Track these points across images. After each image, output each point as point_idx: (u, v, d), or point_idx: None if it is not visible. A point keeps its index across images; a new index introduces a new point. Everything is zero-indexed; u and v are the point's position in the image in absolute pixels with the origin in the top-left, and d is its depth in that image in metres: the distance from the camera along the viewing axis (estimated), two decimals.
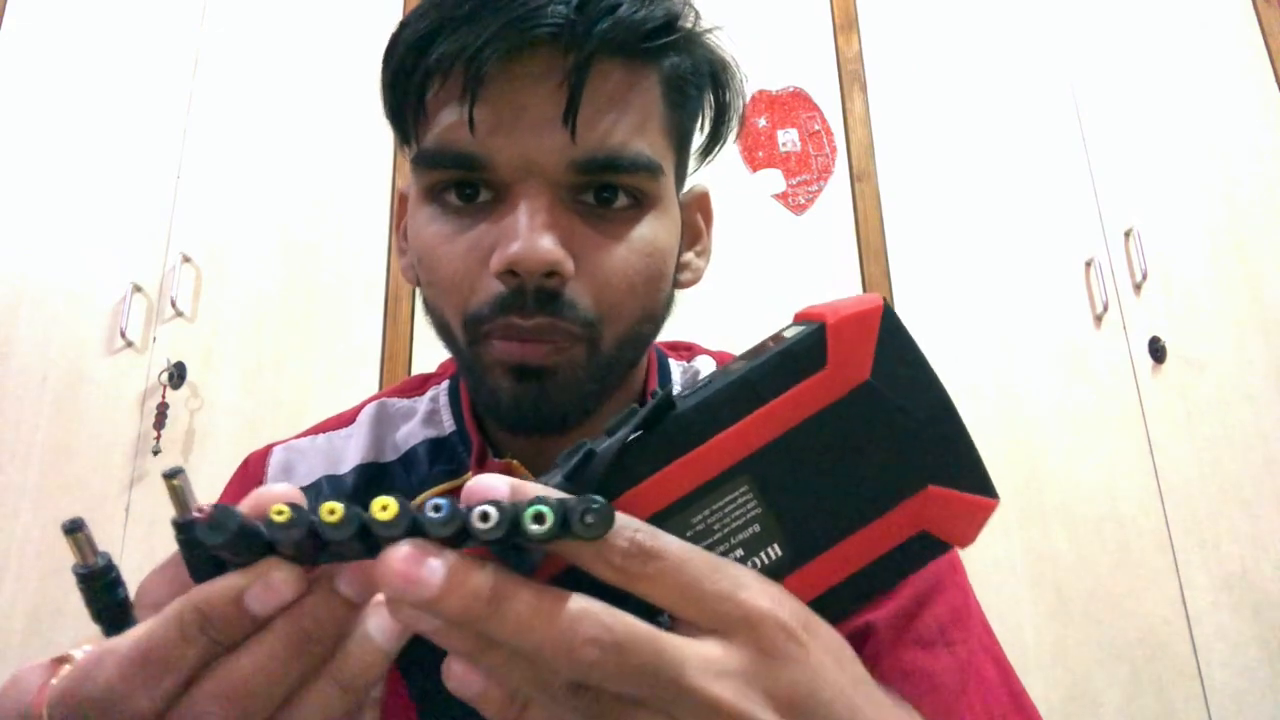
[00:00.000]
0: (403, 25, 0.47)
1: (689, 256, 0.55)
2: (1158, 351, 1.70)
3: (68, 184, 1.76)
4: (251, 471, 0.58)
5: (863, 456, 0.28)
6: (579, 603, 0.23)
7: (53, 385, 1.64)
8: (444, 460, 0.55)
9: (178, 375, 1.63)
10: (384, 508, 0.23)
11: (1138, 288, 1.74)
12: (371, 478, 0.55)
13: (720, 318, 1.62)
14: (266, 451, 0.59)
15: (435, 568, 0.22)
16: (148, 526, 1.56)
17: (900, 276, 1.75)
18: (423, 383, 0.62)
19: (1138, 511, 1.62)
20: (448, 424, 0.57)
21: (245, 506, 0.24)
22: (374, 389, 1.65)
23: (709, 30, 0.50)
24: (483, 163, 0.44)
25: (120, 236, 1.73)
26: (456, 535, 0.23)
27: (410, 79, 0.46)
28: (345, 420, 0.60)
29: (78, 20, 1.87)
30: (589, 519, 0.23)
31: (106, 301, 1.69)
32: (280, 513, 0.23)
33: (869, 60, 1.89)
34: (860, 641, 0.49)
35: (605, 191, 0.45)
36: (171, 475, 0.24)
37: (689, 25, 0.48)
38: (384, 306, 1.71)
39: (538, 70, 0.43)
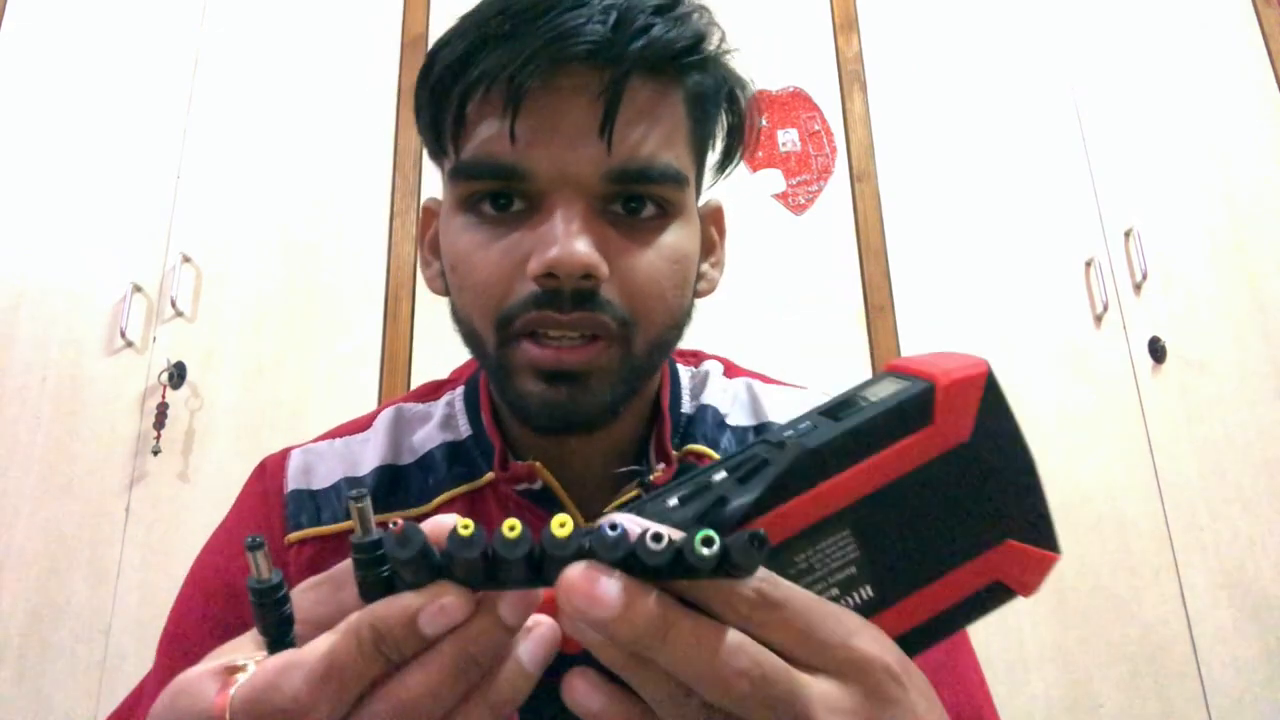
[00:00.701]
0: (442, 43, 0.49)
1: (704, 268, 0.57)
2: (1158, 351, 1.70)
3: (68, 184, 1.76)
4: (270, 476, 0.58)
5: (953, 510, 0.30)
6: (735, 637, 0.25)
7: (53, 385, 1.64)
8: (461, 463, 0.56)
9: (178, 375, 1.63)
10: (561, 525, 0.24)
11: (1138, 288, 1.74)
12: (390, 480, 0.56)
13: (720, 317, 1.62)
14: (284, 455, 0.59)
15: (613, 589, 0.23)
16: (148, 526, 1.56)
17: (900, 276, 1.75)
18: (436, 388, 0.63)
19: (1138, 511, 1.62)
20: (464, 428, 0.58)
21: (425, 528, 0.26)
22: (374, 389, 1.65)
23: (729, 51, 0.53)
24: (522, 173, 0.46)
25: (120, 236, 1.73)
26: (623, 559, 0.24)
27: (450, 94, 0.48)
28: (361, 425, 0.61)
29: (78, 20, 1.87)
30: (758, 547, 0.23)
31: (106, 301, 1.69)
32: (466, 527, 0.24)
33: (869, 60, 1.89)
34: None
35: (633, 201, 0.48)
36: (358, 499, 0.26)
37: (714, 45, 0.51)
38: (384, 306, 1.71)
39: (575, 85, 0.45)
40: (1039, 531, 0.32)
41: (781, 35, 1.89)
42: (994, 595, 0.31)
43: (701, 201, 0.56)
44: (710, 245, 0.58)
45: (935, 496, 0.30)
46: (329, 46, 1.87)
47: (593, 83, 0.45)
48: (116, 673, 1.48)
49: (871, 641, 0.27)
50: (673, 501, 0.28)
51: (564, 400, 0.47)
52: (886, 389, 0.31)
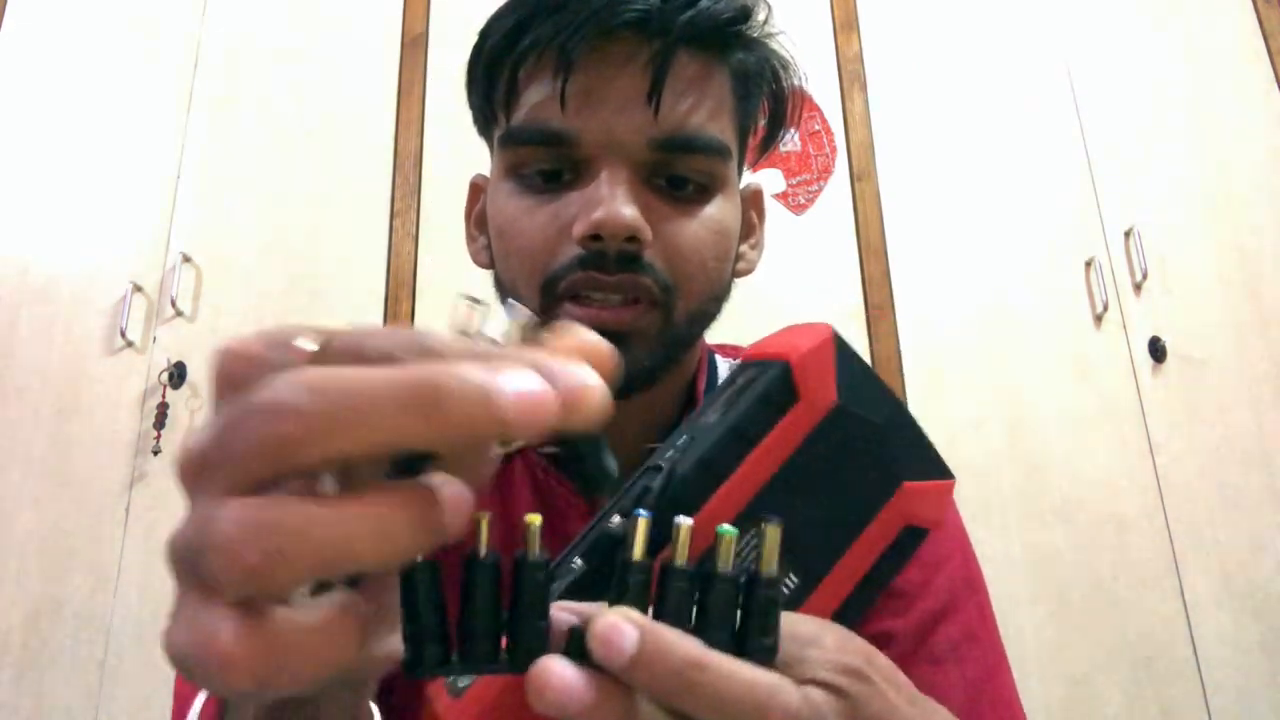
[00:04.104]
0: (496, 16, 0.51)
1: (743, 249, 0.59)
2: (1158, 351, 1.70)
3: (68, 184, 1.76)
4: None
5: (845, 472, 0.31)
6: (770, 678, 0.25)
7: (53, 385, 1.64)
8: None
9: (178, 375, 1.63)
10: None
11: (1138, 288, 1.74)
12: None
13: (720, 316, 1.62)
14: None
15: (630, 633, 0.23)
16: (148, 526, 1.56)
17: (900, 276, 1.75)
18: None
19: (1138, 511, 1.62)
20: None
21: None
22: None
23: (775, 34, 0.55)
24: (570, 138, 0.47)
25: (120, 236, 1.73)
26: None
27: (503, 63, 0.49)
28: None
29: (78, 20, 1.87)
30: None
31: (106, 301, 1.69)
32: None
33: (869, 60, 1.89)
34: (880, 647, 0.52)
35: (677, 176, 0.49)
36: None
37: (760, 20, 0.53)
38: (384, 306, 1.71)
39: (624, 54, 0.47)
40: (928, 464, 0.32)
41: (782, 35, 1.89)
42: (908, 540, 0.32)
43: (742, 184, 0.57)
44: (750, 227, 0.60)
45: (825, 465, 0.30)
46: (329, 46, 1.87)
47: (641, 53, 0.46)
48: (116, 673, 1.48)
49: (831, 648, 0.27)
50: (577, 563, 0.28)
51: None
52: (745, 380, 0.31)
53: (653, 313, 0.48)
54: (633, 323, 0.47)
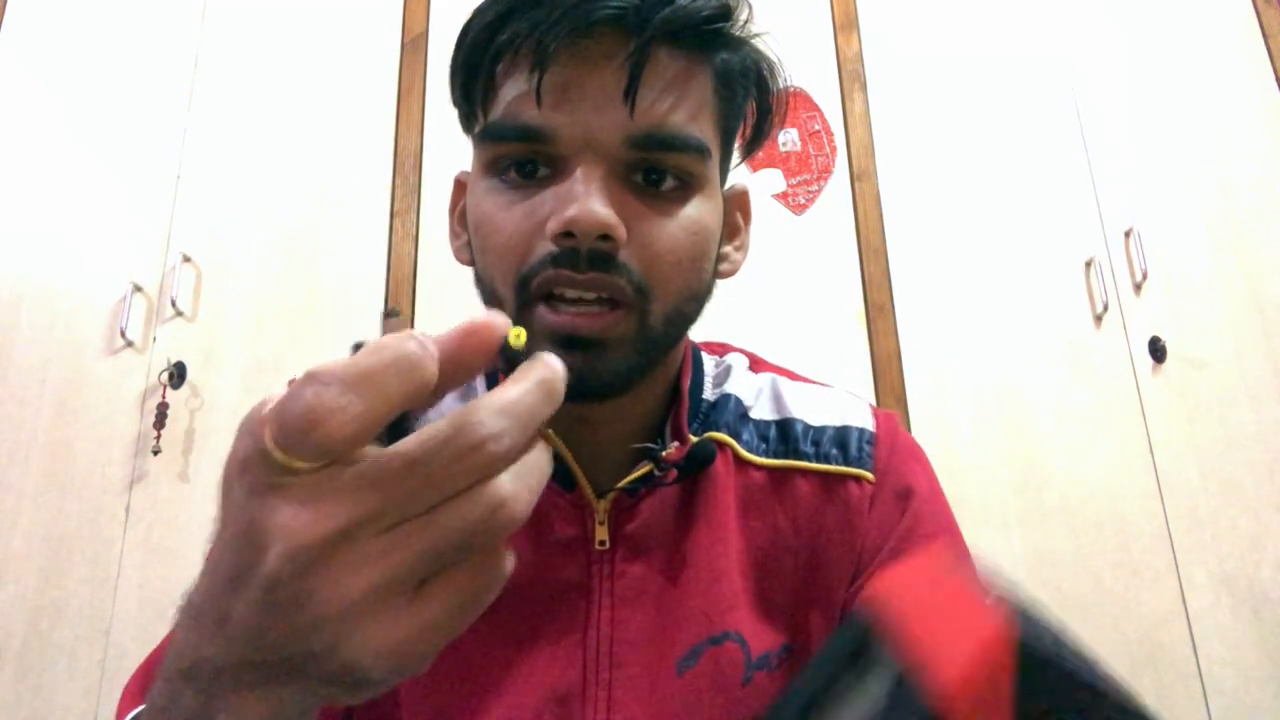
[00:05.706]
0: (477, 12, 0.50)
1: (727, 249, 0.58)
2: (1158, 351, 1.70)
3: (68, 184, 1.76)
4: None
5: None
6: None
7: (53, 385, 1.64)
8: None
9: (178, 375, 1.63)
10: (517, 335, 0.25)
11: (1138, 288, 1.74)
12: (394, 423, 0.57)
13: (720, 317, 1.62)
14: None
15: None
16: (148, 526, 1.56)
17: (900, 276, 1.75)
18: None
19: (1138, 511, 1.62)
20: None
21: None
22: None
23: (759, 35, 0.54)
24: (546, 135, 0.47)
25: (120, 236, 1.73)
26: None
27: (483, 58, 0.49)
28: None
29: (78, 20, 1.87)
30: None
31: (106, 301, 1.69)
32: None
33: (869, 60, 1.89)
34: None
35: (655, 173, 0.48)
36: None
37: (741, 20, 0.52)
38: (384, 306, 1.71)
39: (601, 51, 0.47)
40: None
41: (781, 35, 1.89)
42: None
43: (728, 185, 0.57)
44: (735, 228, 0.59)
45: None
46: (329, 46, 1.87)
47: (619, 49, 0.46)
48: (116, 673, 1.48)
49: None
50: None
51: (578, 367, 0.46)
52: (876, 684, 0.23)
53: (628, 318, 0.47)
54: (606, 329, 0.47)
